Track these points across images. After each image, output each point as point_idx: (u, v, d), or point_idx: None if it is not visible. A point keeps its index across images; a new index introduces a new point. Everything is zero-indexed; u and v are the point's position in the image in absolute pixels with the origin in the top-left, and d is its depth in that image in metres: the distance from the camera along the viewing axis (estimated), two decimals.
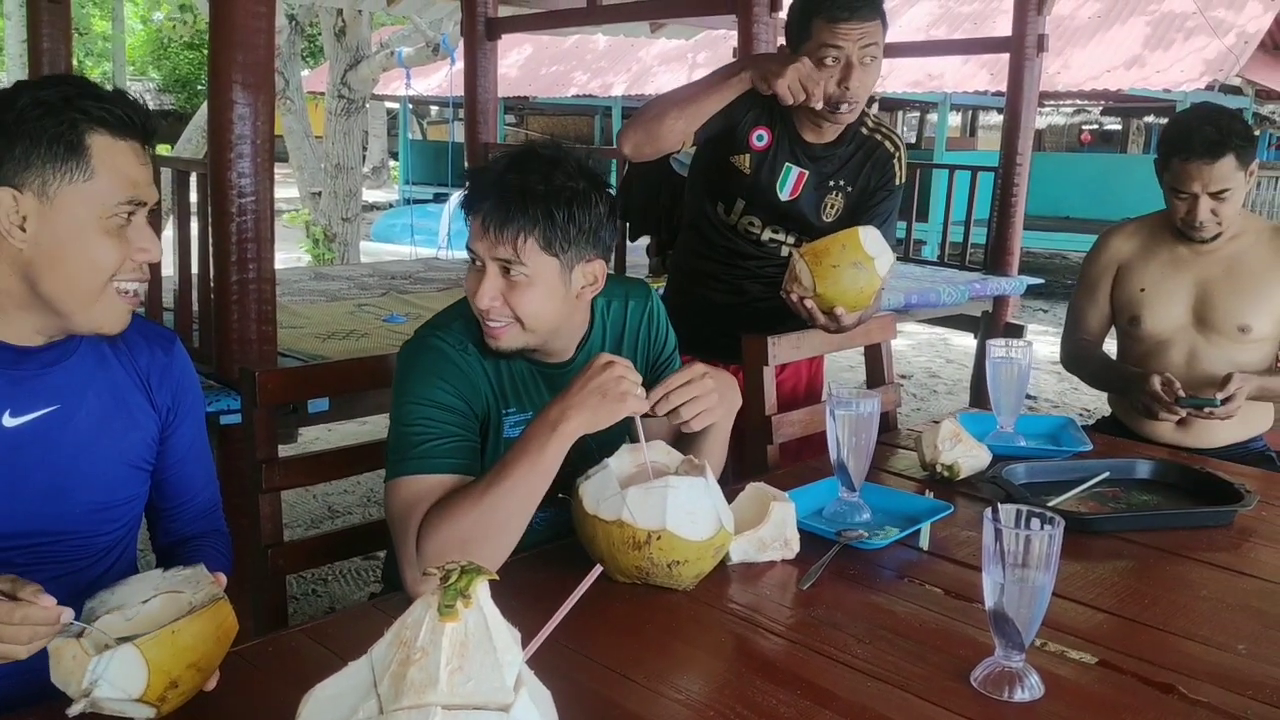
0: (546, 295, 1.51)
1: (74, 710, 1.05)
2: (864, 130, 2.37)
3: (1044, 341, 7.19)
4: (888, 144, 2.38)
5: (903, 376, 6.89)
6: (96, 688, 1.04)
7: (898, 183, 2.39)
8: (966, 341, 7.29)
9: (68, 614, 1.08)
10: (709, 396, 1.52)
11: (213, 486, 1.58)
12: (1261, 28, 11.32)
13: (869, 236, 2.05)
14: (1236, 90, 12.01)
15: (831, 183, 2.36)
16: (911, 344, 8.17)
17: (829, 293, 2.06)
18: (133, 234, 1.28)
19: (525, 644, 0.93)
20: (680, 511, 1.39)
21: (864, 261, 2.04)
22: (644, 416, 1.47)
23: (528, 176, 1.48)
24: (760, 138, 2.32)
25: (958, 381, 6.98)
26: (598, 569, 1.04)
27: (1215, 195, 2.33)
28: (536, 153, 1.53)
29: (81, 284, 1.26)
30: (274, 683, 1.21)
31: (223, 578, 1.20)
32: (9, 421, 1.30)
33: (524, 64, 17.20)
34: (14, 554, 1.31)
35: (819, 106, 2.17)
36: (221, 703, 1.15)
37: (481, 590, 0.87)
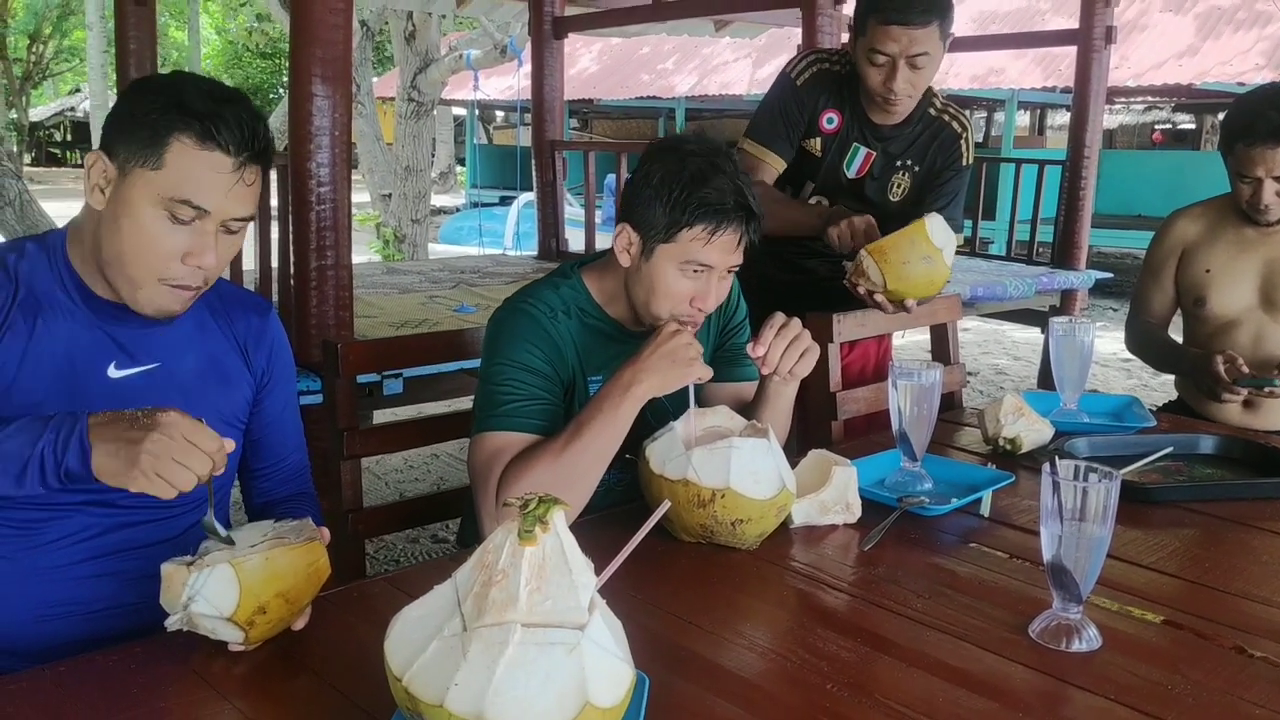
0: None
1: (171, 622, 1.13)
2: (931, 111, 2.41)
3: (1113, 340, 7.09)
4: (954, 124, 2.41)
5: (969, 374, 6.84)
6: (193, 603, 1.11)
7: (965, 163, 2.41)
8: (1033, 336, 7.21)
9: (229, 442, 1.18)
10: (805, 336, 1.61)
11: (303, 451, 1.67)
12: None
13: (935, 227, 2.05)
14: None
15: (899, 162, 2.40)
16: (978, 340, 8.10)
17: (900, 287, 2.08)
18: (193, 237, 1.33)
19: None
20: (744, 471, 1.44)
21: (933, 255, 2.05)
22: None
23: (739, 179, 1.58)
24: (830, 120, 2.37)
25: (1025, 378, 6.91)
26: (666, 503, 1.09)
27: None
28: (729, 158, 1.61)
29: (126, 258, 1.32)
30: (358, 624, 1.28)
31: (326, 532, 1.27)
32: (114, 373, 1.39)
33: (593, 71, 17.35)
34: (117, 494, 1.40)
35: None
36: (308, 639, 1.22)
37: (558, 518, 0.93)
